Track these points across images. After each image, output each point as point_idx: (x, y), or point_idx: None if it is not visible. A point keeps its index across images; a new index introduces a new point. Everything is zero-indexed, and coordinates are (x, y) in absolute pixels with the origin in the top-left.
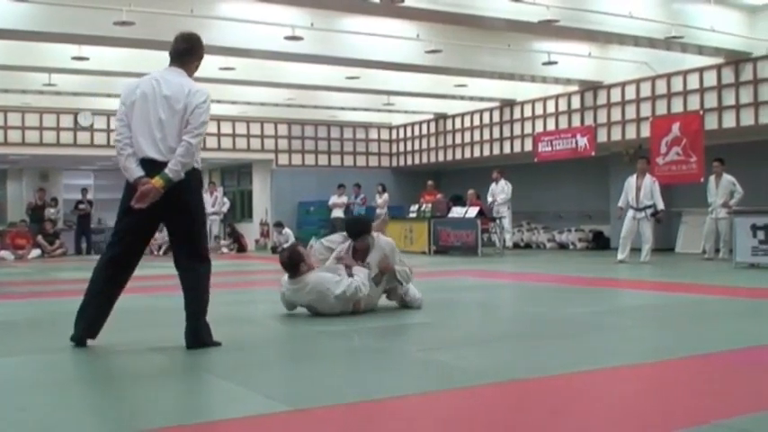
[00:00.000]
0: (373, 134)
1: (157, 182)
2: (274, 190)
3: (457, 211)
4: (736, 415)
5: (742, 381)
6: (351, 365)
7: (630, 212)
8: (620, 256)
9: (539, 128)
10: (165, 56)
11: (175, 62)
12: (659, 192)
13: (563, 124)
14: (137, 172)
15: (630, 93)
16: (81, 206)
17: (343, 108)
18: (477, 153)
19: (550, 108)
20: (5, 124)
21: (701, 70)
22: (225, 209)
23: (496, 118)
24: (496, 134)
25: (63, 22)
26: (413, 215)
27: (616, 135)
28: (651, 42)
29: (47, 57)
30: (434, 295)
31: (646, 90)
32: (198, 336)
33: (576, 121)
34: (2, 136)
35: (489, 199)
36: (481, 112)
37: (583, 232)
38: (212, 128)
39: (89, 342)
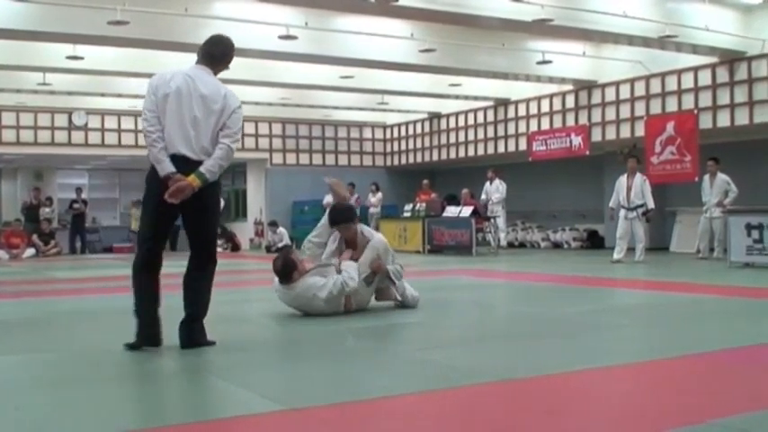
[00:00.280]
0: (367, 133)
1: (194, 180)
2: (269, 189)
3: (451, 211)
4: (730, 414)
5: (737, 380)
6: (346, 365)
7: (622, 212)
8: (615, 256)
9: (533, 127)
10: (160, 55)
11: (206, 63)
12: (650, 190)
13: (557, 123)
14: (169, 167)
15: (625, 92)
16: (75, 205)
17: (337, 107)
18: (471, 152)
19: (545, 107)
20: (0, 123)
21: (695, 69)
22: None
23: (491, 117)
24: (491, 133)
25: (58, 22)
26: (407, 214)
27: (610, 134)
28: (645, 41)
29: (41, 56)
30: (429, 295)
31: (640, 89)
32: (193, 336)
33: (571, 121)
34: None
35: (483, 197)
36: (475, 111)
37: (577, 231)
38: None
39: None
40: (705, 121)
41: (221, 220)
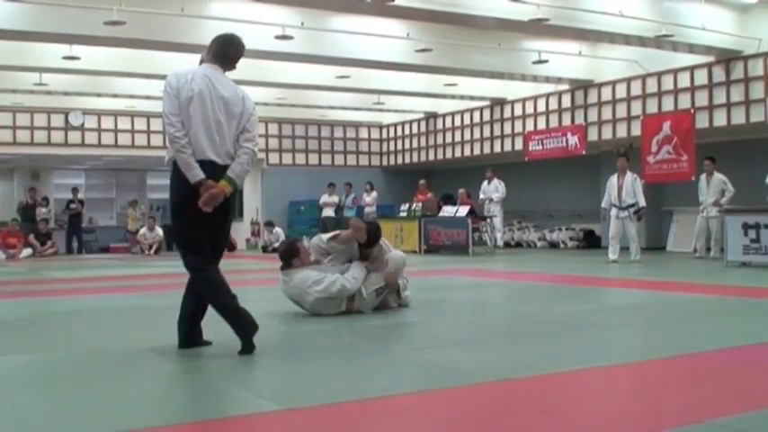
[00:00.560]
0: (363, 133)
1: (226, 186)
2: (265, 189)
3: (448, 211)
4: (728, 414)
5: (734, 379)
6: (342, 365)
7: (614, 211)
8: (611, 257)
9: (529, 127)
10: (157, 55)
11: (217, 62)
12: (641, 189)
13: (553, 123)
14: (200, 173)
15: (621, 91)
16: (72, 206)
17: (333, 107)
18: (467, 152)
19: (541, 107)
20: None
21: (691, 69)
22: None
23: (487, 117)
24: (487, 133)
25: (54, 22)
26: (403, 214)
27: (607, 134)
28: (641, 41)
29: (38, 56)
30: (426, 295)
31: (636, 88)
32: (192, 337)
33: (567, 120)
34: None
35: (481, 196)
36: (472, 111)
37: (573, 231)
38: None
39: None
40: (701, 121)
41: None
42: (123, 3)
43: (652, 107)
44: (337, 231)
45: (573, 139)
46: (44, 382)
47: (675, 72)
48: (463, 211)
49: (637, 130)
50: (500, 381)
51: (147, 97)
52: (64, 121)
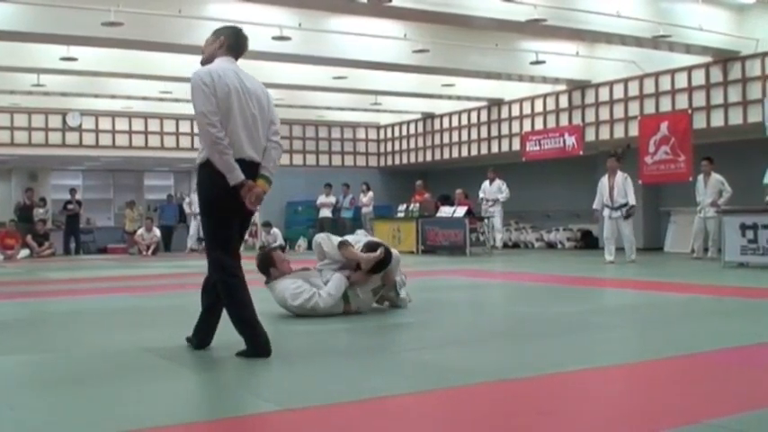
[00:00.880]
0: (361, 134)
1: (264, 185)
2: None
3: (445, 211)
4: (726, 414)
5: (732, 380)
6: (341, 365)
7: (606, 212)
8: (607, 258)
9: (527, 127)
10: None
11: (232, 55)
12: (632, 187)
13: (551, 123)
14: (241, 174)
15: (618, 92)
16: (70, 206)
17: (330, 108)
18: (464, 152)
19: (538, 107)
20: None
21: (689, 69)
22: None
23: (484, 117)
24: (484, 134)
25: (51, 23)
26: (401, 215)
27: (604, 134)
28: (639, 41)
29: (35, 57)
30: (423, 295)
31: (634, 89)
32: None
33: (564, 121)
34: None
35: (481, 195)
36: (469, 111)
37: (571, 231)
38: None
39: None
40: (699, 121)
41: None
42: (121, 4)
43: (649, 108)
44: (351, 242)
45: (570, 140)
46: (42, 383)
47: (673, 72)
48: (461, 211)
49: (634, 130)
50: (498, 381)
51: (145, 98)
52: (61, 122)
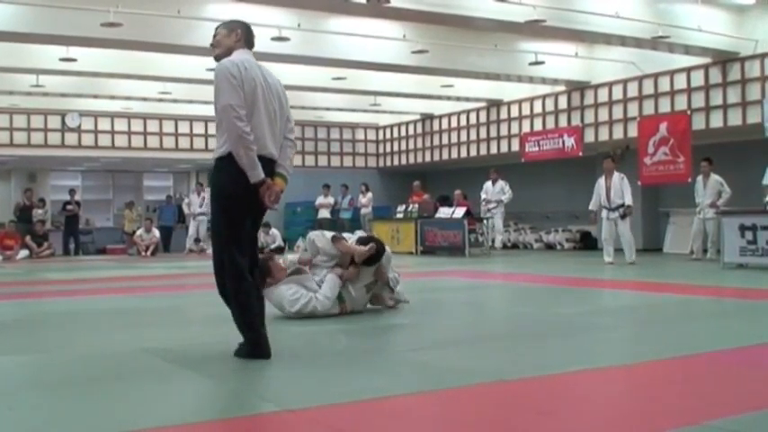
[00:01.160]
0: (360, 135)
1: (282, 184)
2: None
3: (444, 212)
4: (727, 415)
5: (732, 381)
6: (339, 366)
7: (604, 213)
8: (606, 259)
9: (526, 128)
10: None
11: (249, 49)
12: (629, 188)
13: (550, 124)
14: (262, 172)
15: (617, 93)
16: (69, 207)
17: (329, 108)
18: (463, 153)
19: (537, 108)
20: None
21: (688, 70)
22: None
23: (483, 118)
24: (483, 134)
25: (50, 24)
26: (400, 215)
27: (603, 135)
28: (638, 42)
29: (34, 58)
30: (422, 296)
31: (633, 90)
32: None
33: (563, 122)
34: None
35: (483, 196)
36: (468, 112)
37: (570, 232)
38: (199, 129)
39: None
40: (698, 122)
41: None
42: (120, 5)
43: (649, 108)
44: (343, 236)
45: (569, 141)
46: (41, 384)
47: (672, 73)
48: (459, 212)
49: (633, 131)
50: (498, 381)
51: (144, 99)
52: (61, 123)
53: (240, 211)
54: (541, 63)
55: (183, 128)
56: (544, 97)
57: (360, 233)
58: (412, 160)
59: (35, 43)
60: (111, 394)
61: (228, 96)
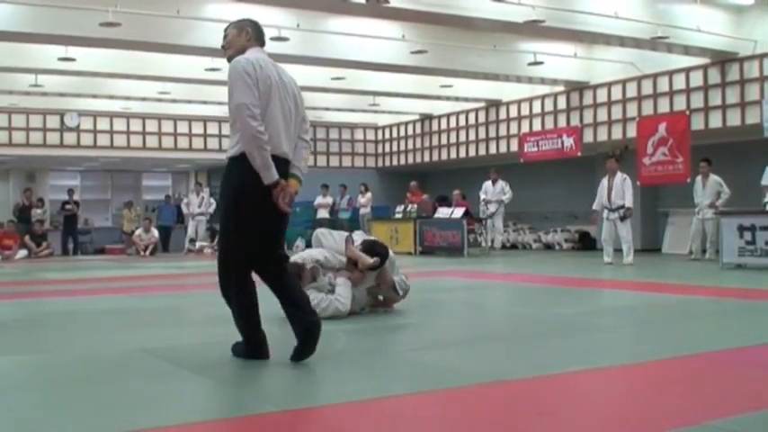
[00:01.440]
0: (359, 135)
1: (296, 185)
2: None
3: (443, 212)
4: (727, 415)
5: (732, 381)
6: (339, 366)
7: (605, 213)
8: (606, 260)
9: (525, 128)
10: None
11: (260, 46)
12: (631, 189)
13: (549, 125)
14: (276, 173)
15: (616, 93)
16: (67, 207)
17: (328, 109)
18: (462, 154)
19: (536, 108)
20: None
21: (687, 70)
22: (212, 209)
23: (482, 118)
24: (482, 135)
25: (49, 23)
26: (399, 216)
27: (602, 135)
28: (637, 42)
29: (33, 57)
30: (421, 296)
31: (632, 90)
32: (317, 319)
33: (562, 122)
34: None
35: (482, 196)
36: (467, 112)
37: (569, 233)
38: (198, 129)
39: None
40: (697, 122)
41: (212, 222)
42: (119, 4)
43: (647, 109)
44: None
45: (568, 141)
46: (40, 384)
47: (671, 74)
48: (458, 212)
49: (632, 131)
50: (498, 382)
51: (143, 99)
52: (60, 123)
53: (250, 213)
54: (540, 63)
55: (182, 128)
56: (543, 97)
57: (359, 233)
58: (411, 160)
59: (34, 43)
60: (111, 394)
61: (242, 95)
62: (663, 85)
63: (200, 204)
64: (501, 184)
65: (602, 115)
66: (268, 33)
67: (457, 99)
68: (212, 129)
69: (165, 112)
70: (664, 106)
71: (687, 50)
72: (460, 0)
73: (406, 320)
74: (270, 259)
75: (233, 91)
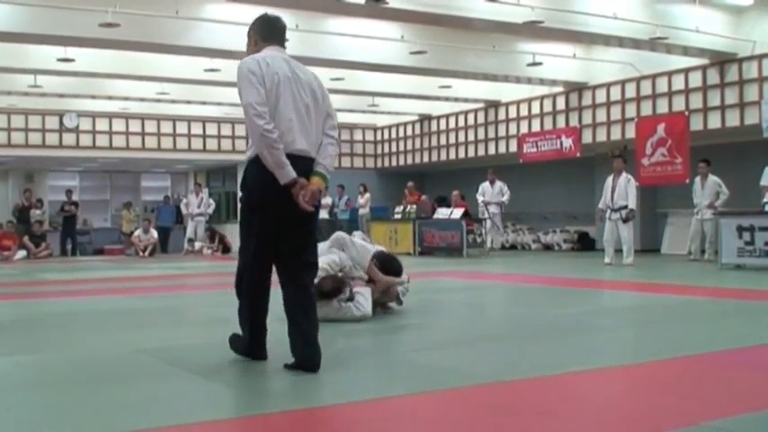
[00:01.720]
0: (358, 135)
1: (320, 182)
2: None
3: (442, 213)
4: (726, 416)
5: (731, 381)
6: (338, 366)
7: (608, 213)
8: (606, 260)
9: (524, 129)
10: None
11: (278, 43)
12: (634, 190)
13: (548, 125)
14: (292, 172)
15: (615, 94)
16: (66, 207)
17: None
18: (462, 154)
19: (535, 109)
20: None
21: (686, 71)
22: (210, 210)
23: (481, 119)
24: (481, 135)
25: (48, 24)
26: (398, 216)
27: (601, 136)
28: (636, 43)
29: (32, 58)
30: (420, 296)
31: (631, 91)
32: (317, 358)
33: (561, 122)
34: None
35: (480, 198)
36: (466, 113)
37: (568, 233)
38: (197, 129)
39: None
40: (696, 123)
41: (211, 222)
42: (118, 5)
43: (646, 109)
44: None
45: (567, 142)
46: (39, 384)
47: (670, 74)
48: (457, 213)
49: (631, 132)
50: (498, 382)
51: (142, 99)
52: (58, 123)
53: (266, 216)
54: (539, 64)
55: (181, 128)
56: (542, 98)
57: (359, 234)
58: (410, 161)
59: (33, 43)
60: (110, 395)
61: (248, 95)
62: (662, 85)
63: (199, 205)
64: (499, 184)
65: (601, 116)
66: None
67: (456, 100)
68: (211, 129)
69: (164, 112)
70: (663, 107)
71: (686, 51)
72: (460, 1)
73: (406, 321)
74: (293, 262)
75: (241, 92)
